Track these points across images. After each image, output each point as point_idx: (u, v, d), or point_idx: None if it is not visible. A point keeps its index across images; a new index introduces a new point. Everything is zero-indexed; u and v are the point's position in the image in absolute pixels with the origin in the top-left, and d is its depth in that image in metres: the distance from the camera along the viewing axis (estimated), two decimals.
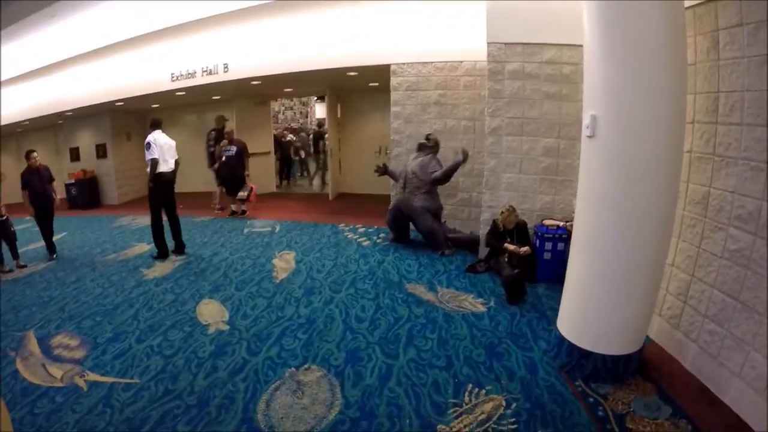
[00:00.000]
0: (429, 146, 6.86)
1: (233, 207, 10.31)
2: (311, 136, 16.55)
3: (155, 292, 5.97)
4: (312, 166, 15.84)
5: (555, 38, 5.47)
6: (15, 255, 7.48)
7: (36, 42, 11.44)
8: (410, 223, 7.17)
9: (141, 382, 3.89)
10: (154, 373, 4.00)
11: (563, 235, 5.23)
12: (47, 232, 8.26)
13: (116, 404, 3.59)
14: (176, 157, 7.51)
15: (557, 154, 5.62)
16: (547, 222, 5.53)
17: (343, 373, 3.74)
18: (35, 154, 7.92)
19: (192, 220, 10.02)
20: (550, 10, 5.40)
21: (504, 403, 3.18)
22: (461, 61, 7.27)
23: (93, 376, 4.07)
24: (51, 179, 8.17)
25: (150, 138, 7.12)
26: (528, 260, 5.24)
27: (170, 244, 7.55)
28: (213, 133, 10.83)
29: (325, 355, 4.05)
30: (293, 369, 3.88)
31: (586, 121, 3.29)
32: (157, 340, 4.64)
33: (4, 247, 7.35)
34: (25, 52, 11.78)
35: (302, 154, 15.79)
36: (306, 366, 3.91)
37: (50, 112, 12.97)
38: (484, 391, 3.33)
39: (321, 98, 20.22)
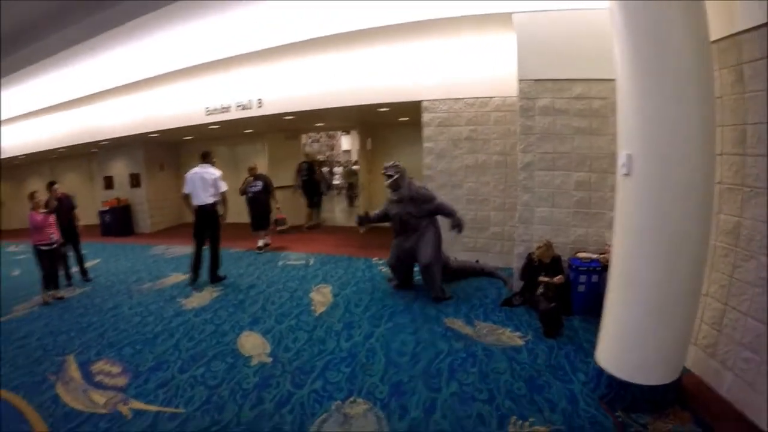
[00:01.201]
0: (398, 179, 6.53)
1: (259, 242, 10.48)
2: (342, 170, 16.79)
3: (195, 323, 6.18)
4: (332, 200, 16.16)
5: (584, 73, 5.67)
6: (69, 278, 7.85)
7: (74, 74, 11.96)
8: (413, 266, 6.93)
9: (186, 411, 4.05)
10: (199, 404, 4.16)
11: (597, 268, 5.33)
12: (79, 258, 8.75)
13: None
14: (221, 189, 7.90)
15: (589, 187, 5.78)
16: (581, 255, 5.64)
17: (389, 406, 3.87)
18: (56, 186, 8.45)
19: (227, 252, 10.18)
20: (578, 46, 5.63)
21: None
22: (491, 97, 7.48)
23: (137, 404, 4.24)
24: (73, 207, 8.69)
25: (188, 173, 7.68)
26: (563, 293, 5.35)
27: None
28: (304, 165, 11.90)
29: (369, 389, 4.18)
30: (339, 402, 4.01)
31: (621, 159, 3.46)
32: (200, 371, 4.81)
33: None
34: (63, 83, 12.33)
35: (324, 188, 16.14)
36: (351, 399, 4.04)
37: (85, 141, 13.55)
38: (528, 423, 3.43)
39: (347, 131, 20.63)
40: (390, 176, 6.51)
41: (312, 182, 12.25)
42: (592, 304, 5.07)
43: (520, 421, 3.46)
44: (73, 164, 17.55)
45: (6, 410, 4.34)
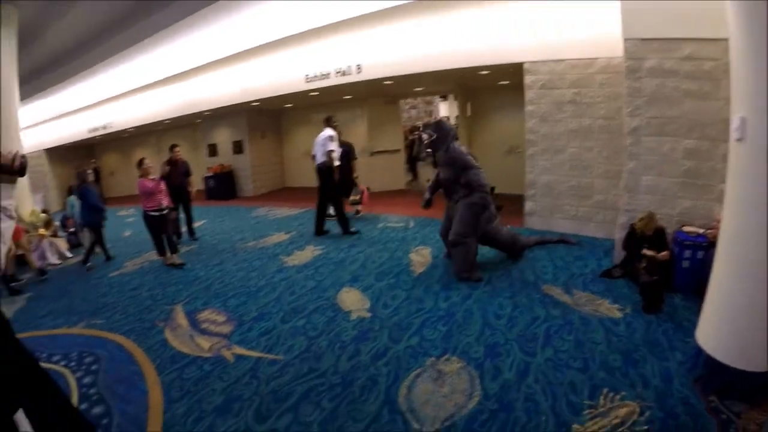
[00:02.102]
0: (435, 140, 6.32)
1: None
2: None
3: (296, 279, 6.68)
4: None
5: (694, 32, 5.37)
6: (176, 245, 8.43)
7: (178, 49, 12.88)
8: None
9: (286, 359, 4.47)
10: (298, 352, 4.57)
11: (703, 243, 5.08)
12: (188, 219, 9.65)
13: (262, 377, 4.18)
14: (327, 148, 8.52)
15: (698, 156, 5.53)
16: (687, 228, 5.44)
17: (483, 366, 4.03)
18: (178, 148, 9.34)
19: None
20: (687, 3, 5.32)
21: (638, 410, 3.27)
22: (596, 58, 7.22)
23: (239, 350, 4.73)
24: (188, 173, 9.49)
25: None
26: (666, 268, 5.18)
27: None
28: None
29: (464, 348, 4.36)
30: (434, 358, 4.23)
31: (734, 123, 3.27)
32: (301, 322, 5.24)
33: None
34: (168, 58, 13.31)
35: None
36: (446, 356, 4.25)
37: (190, 112, 14.49)
38: (619, 396, 3.45)
39: (443, 97, 20.54)
40: (433, 132, 6.37)
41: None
42: (695, 282, 4.85)
43: (612, 394, 3.49)
44: (178, 134, 18.77)
45: (118, 352, 4.98)
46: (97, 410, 3.91)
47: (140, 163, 7.96)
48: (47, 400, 2.39)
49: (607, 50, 6.98)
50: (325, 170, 8.67)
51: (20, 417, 2.17)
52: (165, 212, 8.04)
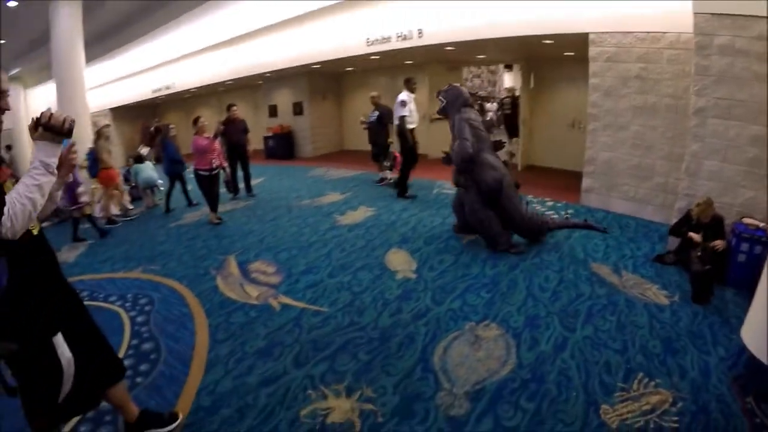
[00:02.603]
0: (445, 106, 6.43)
1: (380, 174, 10.90)
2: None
3: (347, 237, 6.96)
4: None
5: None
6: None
7: (240, 11, 13.13)
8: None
9: (329, 311, 4.75)
10: (341, 306, 4.85)
11: (762, 238, 4.88)
12: (246, 175, 10.04)
13: (305, 326, 4.48)
14: (398, 114, 8.93)
15: (766, 145, 5.23)
16: (747, 220, 5.19)
17: (520, 336, 4.12)
18: (235, 108, 9.70)
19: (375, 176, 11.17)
20: None
21: (671, 400, 3.26)
22: (664, 33, 6.87)
23: (285, 300, 5.06)
24: (246, 131, 9.84)
25: None
26: (720, 258, 5.02)
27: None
28: (507, 99, 12.45)
29: (505, 316, 4.47)
30: (473, 323, 4.37)
31: None
32: (347, 278, 5.50)
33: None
34: (230, 20, 13.64)
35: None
36: (486, 322, 4.37)
37: (251, 74, 14.82)
38: (653, 383, 3.44)
39: (508, 67, 20.22)
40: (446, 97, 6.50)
41: (514, 116, 12.16)
42: (750, 278, 4.56)
43: (646, 379, 3.50)
44: (239, 95, 19.20)
45: (171, 296, 5.40)
46: (147, 346, 4.30)
47: (195, 121, 8.21)
48: (84, 332, 2.61)
49: (677, 24, 6.58)
50: (399, 133, 8.92)
51: (59, 340, 2.39)
52: (215, 172, 8.27)
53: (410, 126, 8.84)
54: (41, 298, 2.33)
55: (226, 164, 8.88)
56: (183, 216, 9.21)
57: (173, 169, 9.70)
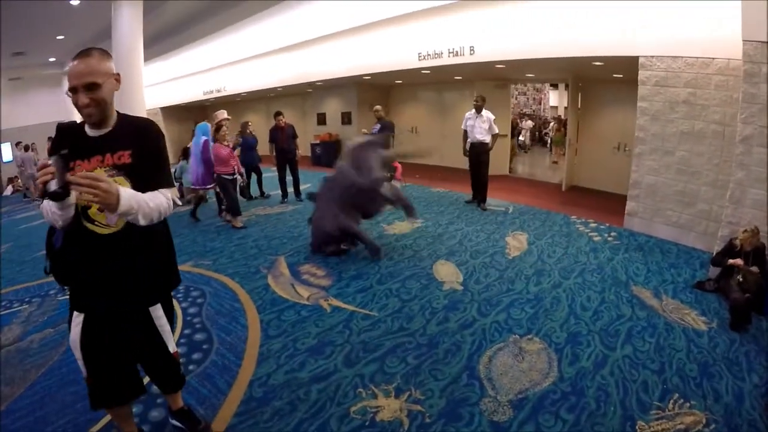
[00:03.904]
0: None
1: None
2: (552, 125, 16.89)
3: (395, 246, 7.22)
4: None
5: None
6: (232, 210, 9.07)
7: (293, 21, 13.63)
8: None
9: (379, 315, 5.00)
10: (391, 311, 5.08)
11: None
12: (295, 180, 10.54)
13: (354, 328, 4.73)
14: (494, 132, 9.62)
15: None
16: None
17: (562, 351, 4.29)
18: (281, 117, 10.17)
19: (429, 190, 11.50)
20: None
21: (704, 421, 3.37)
22: (713, 58, 6.90)
23: (336, 302, 5.32)
24: (294, 136, 10.36)
25: None
26: (759, 289, 5.08)
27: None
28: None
29: (548, 332, 4.65)
30: (517, 336, 4.56)
31: None
32: (396, 286, 5.76)
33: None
34: (283, 29, 14.17)
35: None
36: (529, 336, 4.56)
37: (301, 82, 15.28)
38: (688, 404, 3.56)
39: (554, 86, 20.31)
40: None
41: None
42: None
43: (682, 400, 3.61)
44: (287, 102, 19.82)
45: (222, 290, 5.73)
46: (199, 336, 4.62)
47: (218, 128, 8.44)
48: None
49: (726, 50, 6.64)
50: (483, 148, 9.40)
51: (158, 310, 2.61)
52: (235, 177, 8.64)
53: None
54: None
55: (242, 170, 9.27)
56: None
57: (250, 160, 10.54)
